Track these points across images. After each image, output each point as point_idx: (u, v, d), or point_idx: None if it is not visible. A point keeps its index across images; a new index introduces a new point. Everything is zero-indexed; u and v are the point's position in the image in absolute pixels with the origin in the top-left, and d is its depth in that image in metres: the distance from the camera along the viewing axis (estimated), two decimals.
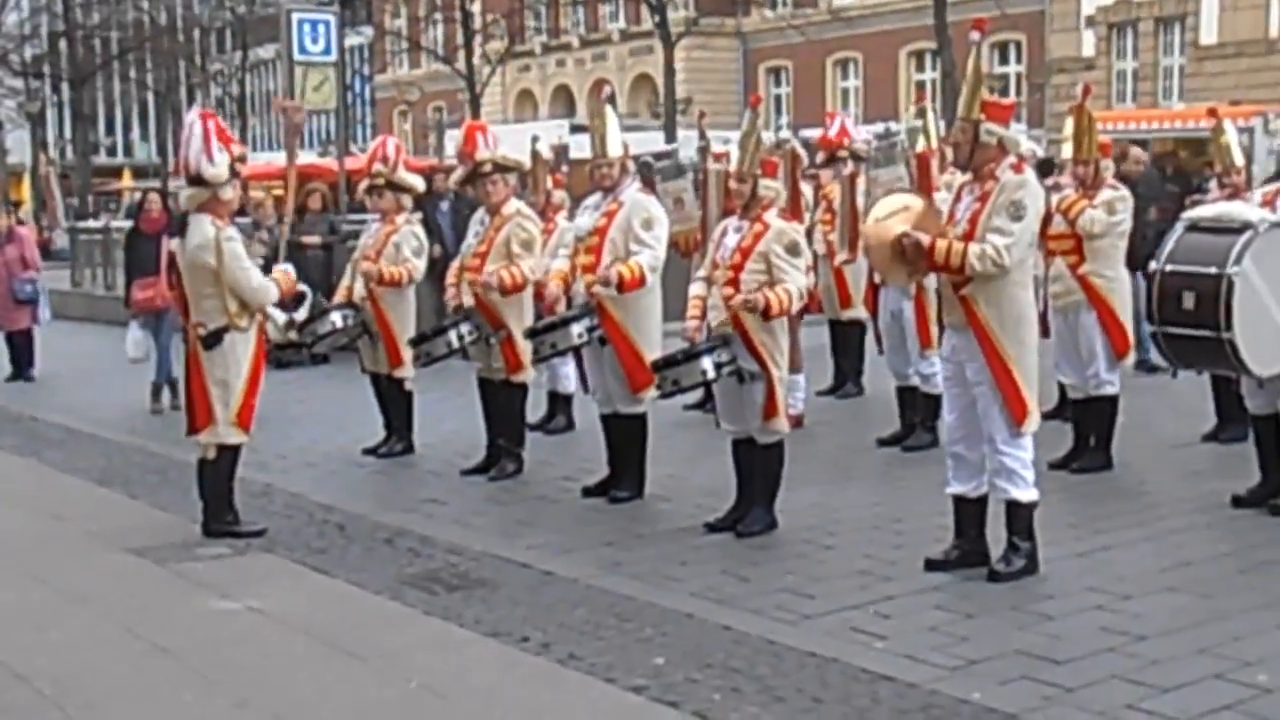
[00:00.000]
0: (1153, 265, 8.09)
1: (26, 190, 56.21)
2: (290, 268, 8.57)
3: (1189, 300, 7.80)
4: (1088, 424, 9.52)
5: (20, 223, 18.59)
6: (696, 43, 46.86)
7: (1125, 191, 9.55)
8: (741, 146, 8.14)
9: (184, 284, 8.29)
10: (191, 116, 8.40)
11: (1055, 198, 9.19)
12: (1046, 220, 8.66)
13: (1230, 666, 5.70)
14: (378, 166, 10.51)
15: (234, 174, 8.21)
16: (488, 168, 9.66)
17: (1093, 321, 9.33)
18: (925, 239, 6.91)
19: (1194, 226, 8.14)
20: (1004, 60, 42.37)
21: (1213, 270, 7.75)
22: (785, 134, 16.01)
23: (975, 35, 7.16)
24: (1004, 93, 36.34)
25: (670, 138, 33.57)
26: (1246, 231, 7.79)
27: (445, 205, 15.87)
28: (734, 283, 7.82)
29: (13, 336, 16.07)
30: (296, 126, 10.20)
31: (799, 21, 46.01)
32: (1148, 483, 9.11)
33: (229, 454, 8.35)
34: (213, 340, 8.13)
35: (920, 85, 37.03)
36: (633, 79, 51.71)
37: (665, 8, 40.73)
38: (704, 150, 12.34)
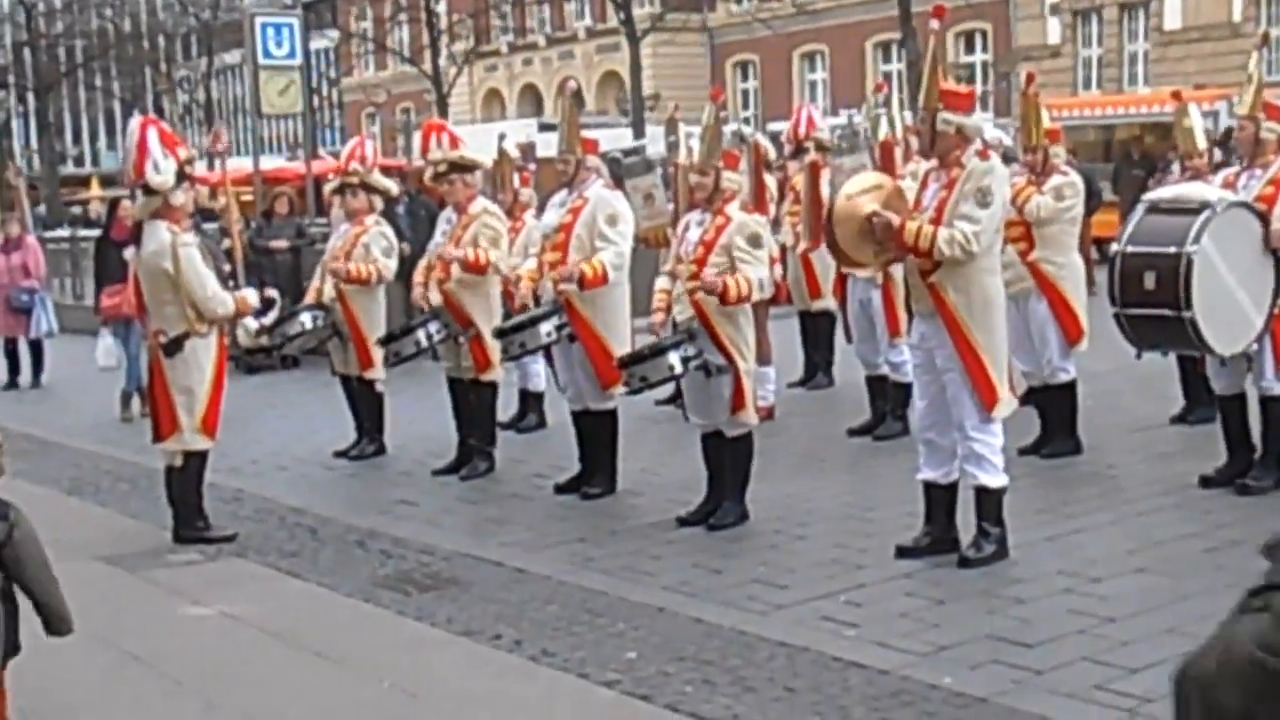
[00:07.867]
0: (1114, 247, 8.13)
1: None
2: (253, 293, 8.56)
3: (1150, 280, 7.82)
4: (1050, 410, 9.55)
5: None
6: (662, 39, 46.81)
7: (1075, 177, 9.47)
8: (702, 140, 8.16)
9: (143, 292, 8.26)
10: (133, 124, 8.33)
11: None
12: None
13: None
14: (355, 165, 10.49)
15: (182, 179, 8.13)
16: (443, 167, 9.65)
17: (1044, 309, 9.28)
18: (895, 219, 6.91)
19: (1154, 208, 8.18)
20: (970, 49, 42.47)
21: (1172, 250, 7.77)
22: (746, 128, 15.99)
23: (934, 23, 7.21)
24: (969, 81, 36.47)
25: (638, 134, 33.56)
26: (1205, 211, 7.81)
27: (401, 208, 15.83)
28: (697, 277, 7.83)
29: (12, 345, 16.03)
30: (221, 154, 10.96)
31: (764, 15, 46.03)
32: (1116, 466, 9.15)
33: (196, 460, 8.32)
34: (174, 347, 8.10)
35: (886, 76, 37.01)
36: (600, 76, 51.68)
37: (630, 4, 40.69)
38: (674, 145, 12.32)
